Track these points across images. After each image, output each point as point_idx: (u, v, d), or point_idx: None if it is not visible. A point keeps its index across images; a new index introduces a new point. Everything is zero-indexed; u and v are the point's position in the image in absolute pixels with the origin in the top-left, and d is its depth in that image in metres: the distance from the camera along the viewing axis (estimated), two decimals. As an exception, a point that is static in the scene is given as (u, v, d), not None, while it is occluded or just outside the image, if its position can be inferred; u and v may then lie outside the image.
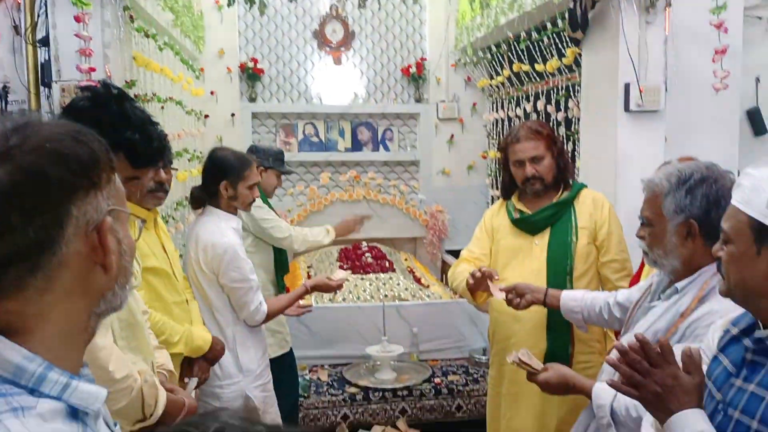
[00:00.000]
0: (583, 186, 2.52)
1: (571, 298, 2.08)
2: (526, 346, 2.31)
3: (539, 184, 2.40)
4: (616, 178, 3.34)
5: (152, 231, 2.13)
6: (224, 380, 2.49)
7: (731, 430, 1.11)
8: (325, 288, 2.82)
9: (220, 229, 2.50)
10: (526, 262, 2.41)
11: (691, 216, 1.49)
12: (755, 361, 1.13)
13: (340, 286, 2.83)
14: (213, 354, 2.31)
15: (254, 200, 2.63)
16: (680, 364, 1.16)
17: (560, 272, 2.35)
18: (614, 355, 1.23)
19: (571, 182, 2.47)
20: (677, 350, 1.20)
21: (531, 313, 2.27)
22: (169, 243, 2.25)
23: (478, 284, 2.22)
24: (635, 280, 2.22)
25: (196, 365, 2.27)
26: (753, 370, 1.12)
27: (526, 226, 2.45)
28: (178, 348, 2.16)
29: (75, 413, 0.73)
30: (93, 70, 2.75)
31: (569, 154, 4.00)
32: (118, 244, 0.80)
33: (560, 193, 2.44)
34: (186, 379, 2.22)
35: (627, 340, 1.64)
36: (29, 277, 0.73)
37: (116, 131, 1.48)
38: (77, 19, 2.74)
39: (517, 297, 2.16)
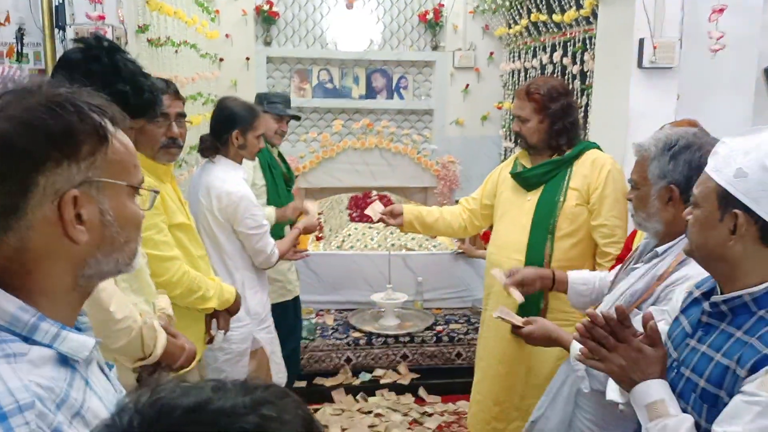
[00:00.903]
0: (589, 146, 2.51)
1: (581, 281, 2.09)
2: (502, 296, 2.38)
3: (524, 142, 2.45)
4: (627, 135, 3.32)
5: (169, 184, 2.13)
6: (233, 323, 2.57)
7: (681, 387, 1.18)
8: (311, 227, 2.96)
9: (232, 178, 2.57)
10: (517, 216, 2.48)
11: (673, 181, 1.53)
12: (709, 324, 1.19)
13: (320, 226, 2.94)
14: (235, 306, 2.33)
15: (260, 150, 2.68)
16: (639, 329, 1.22)
17: (542, 230, 2.39)
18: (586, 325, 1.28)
19: (563, 147, 2.43)
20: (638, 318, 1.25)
21: (510, 262, 2.33)
22: (180, 195, 2.26)
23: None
24: (628, 244, 2.24)
25: (221, 318, 2.29)
26: (706, 332, 1.19)
27: (521, 180, 2.51)
28: (212, 303, 2.17)
29: (65, 360, 0.81)
30: (102, 18, 2.76)
31: (584, 109, 4.00)
32: (99, 214, 0.84)
33: (556, 152, 2.45)
34: (212, 332, 2.29)
35: (608, 299, 1.70)
36: (2, 235, 0.79)
37: (107, 83, 1.50)
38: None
39: (526, 286, 2.16)
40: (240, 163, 2.65)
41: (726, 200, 1.12)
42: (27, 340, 0.79)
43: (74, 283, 0.86)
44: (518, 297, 2.09)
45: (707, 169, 1.17)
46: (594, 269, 2.31)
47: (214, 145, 2.65)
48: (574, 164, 2.43)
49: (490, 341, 2.58)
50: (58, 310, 0.84)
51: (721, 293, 1.18)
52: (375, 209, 2.74)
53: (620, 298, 1.63)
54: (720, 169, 1.13)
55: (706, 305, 1.19)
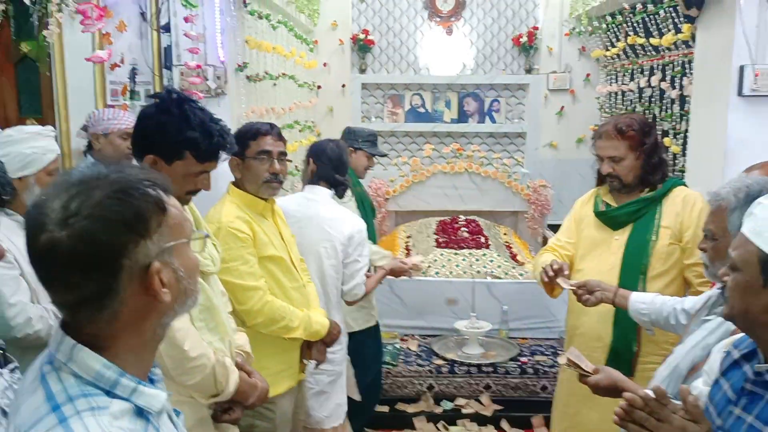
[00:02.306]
0: (678, 182, 2.43)
1: (641, 301, 2.05)
2: (590, 339, 2.36)
3: (617, 182, 2.36)
4: (725, 166, 3.16)
5: (270, 220, 2.29)
6: (336, 345, 2.64)
7: None
8: (399, 271, 2.99)
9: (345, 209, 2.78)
10: (604, 256, 2.39)
11: None
12: (754, 392, 1.13)
13: (416, 267, 2.98)
14: (330, 338, 2.40)
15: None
16: (679, 403, 1.18)
17: (634, 270, 2.31)
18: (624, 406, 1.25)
19: (658, 182, 2.36)
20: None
21: (599, 306, 2.27)
22: (286, 229, 2.39)
23: (551, 280, 2.25)
24: None
25: (314, 348, 2.37)
26: (752, 401, 1.13)
27: (608, 219, 2.42)
28: (297, 333, 2.25)
29: (141, 412, 0.93)
30: (197, 52, 2.99)
31: (683, 135, 3.83)
32: (173, 273, 0.95)
33: (647, 189, 2.37)
34: (305, 361, 2.38)
35: (679, 351, 1.64)
36: (97, 314, 0.91)
37: (179, 132, 1.66)
38: (186, 19, 2.97)
39: (586, 293, 2.16)
40: None
41: None
42: (109, 393, 0.90)
43: (153, 335, 0.98)
44: (565, 285, 2.20)
45: (745, 231, 1.12)
46: None
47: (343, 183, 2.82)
48: (663, 202, 2.35)
49: (574, 384, 2.52)
50: (137, 364, 0.95)
51: (765, 359, 1.12)
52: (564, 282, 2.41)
53: (691, 351, 1.56)
54: (761, 232, 1.08)
55: (748, 370, 1.14)
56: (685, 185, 2.45)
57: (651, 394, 1.22)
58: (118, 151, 2.80)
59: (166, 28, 3.37)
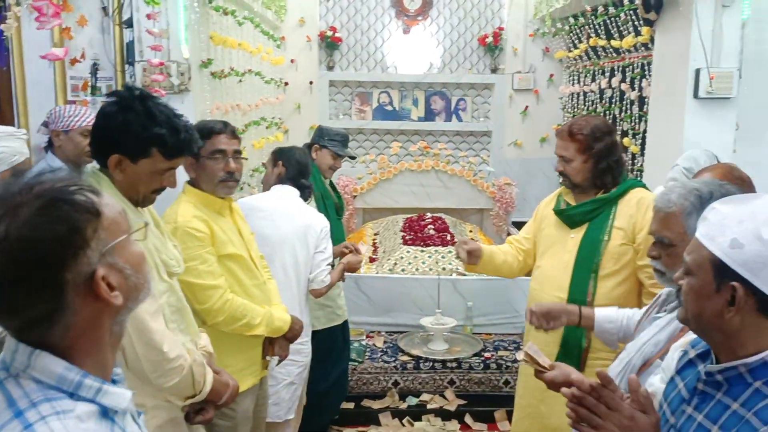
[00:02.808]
0: (636, 184, 2.48)
1: (607, 320, 2.06)
2: (544, 334, 2.35)
3: (568, 181, 2.43)
4: (681, 166, 3.25)
5: (228, 218, 2.27)
6: (303, 337, 2.68)
7: None
8: (355, 266, 3.09)
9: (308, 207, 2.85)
10: (560, 253, 2.45)
11: None
12: (705, 392, 1.16)
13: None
14: (292, 333, 2.40)
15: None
16: (626, 393, 1.22)
17: (585, 269, 2.35)
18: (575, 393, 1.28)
19: (609, 185, 2.40)
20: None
21: (551, 299, 2.32)
22: (245, 226, 2.38)
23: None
24: None
25: (277, 344, 2.37)
26: (702, 400, 1.16)
27: (565, 218, 2.48)
28: (259, 330, 2.24)
29: (105, 412, 0.92)
30: (160, 49, 2.97)
31: (641, 136, 3.93)
32: (119, 273, 0.92)
33: (601, 190, 2.42)
34: (267, 358, 2.39)
35: (631, 348, 1.69)
36: (49, 330, 0.89)
37: (145, 129, 1.63)
38: (149, 16, 2.93)
39: (551, 321, 2.16)
40: None
41: (722, 271, 1.09)
42: (72, 396, 0.89)
43: (111, 335, 0.97)
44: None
45: (699, 236, 1.13)
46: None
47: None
48: (618, 203, 2.39)
49: (530, 379, 2.57)
50: (98, 365, 0.95)
51: (717, 360, 1.16)
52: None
53: (643, 347, 1.61)
54: (714, 237, 1.10)
55: (702, 370, 1.17)
56: (645, 186, 2.49)
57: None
58: (79, 148, 2.76)
59: (129, 24, 3.33)
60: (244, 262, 2.28)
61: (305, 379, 2.86)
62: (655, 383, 1.35)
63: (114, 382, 0.98)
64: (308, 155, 3.01)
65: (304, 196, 2.87)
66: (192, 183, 2.24)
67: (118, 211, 0.95)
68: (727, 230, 1.08)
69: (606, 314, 2.07)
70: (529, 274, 2.72)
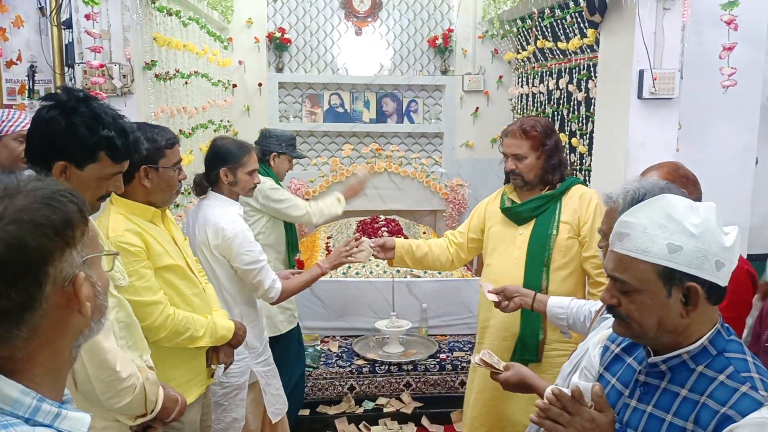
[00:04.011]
0: (576, 181, 2.61)
1: (558, 305, 2.12)
2: (501, 330, 2.54)
3: (520, 180, 2.52)
4: (627, 165, 3.33)
5: (162, 226, 2.16)
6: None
7: None
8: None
9: (227, 214, 2.61)
10: (509, 249, 2.55)
11: None
12: (648, 383, 1.20)
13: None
14: (236, 339, 2.35)
15: (255, 186, 2.72)
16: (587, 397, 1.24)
17: (537, 263, 2.47)
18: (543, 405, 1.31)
19: (556, 181, 2.53)
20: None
21: None
22: (178, 233, 2.29)
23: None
24: (744, 289, 2.19)
25: (221, 352, 2.31)
26: (646, 392, 1.20)
27: (512, 215, 2.58)
28: (203, 342, 2.19)
29: None
30: (100, 50, 2.89)
31: (588, 136, 4.01)
32: (92, 287, 0.89)
33: (547, 187, 2.52)
34: (213, 366, 2.31)
35: (581, 347, 1.71)
36: (15, 330, 0.83)
37: (93, 132, 1.55)
38: (87, 17, 2.83)
39: (505, 300, 2.23)
40: (236, 199, 2.70)
41: (670, 277, 1.13)
42: (28, 421, 0.83)
43: (69, 356, 0.92)
44: (489, 296, 2.25)
45: (628, 252, 1.16)
46: (586, 299, 2.35)
47: (203, 182, 2.70)
48: (562, 199, 2.53)
49: (485, 380, 2.60)
50: (54, 388, 0.89)
51: (654, 353, 1.20)
52: (366, 245, 2.83)
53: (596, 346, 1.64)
54: (647, 249, 1.13)
55: (633, 363, 1.20)
56: (584, 184, 2.64)
57: (565, 391, 1.28)
58: (13, 155, 2.62)
59: (68, 24, 3.21)
60: (182, 271, 2.18)
61: (243, 401, 2.71)
62: (579, 383, 1.38)
63: (62, 403, 0.92)
64: (234, 143, 2.74)
65: (217, 190, 2.73)
66: (122, 193, 2.01)
67: (96, 231, 0.94)
68: (656, 238, 1.13)
69: (557, 300, 2.15)
70: (478, 273, 2.79)
